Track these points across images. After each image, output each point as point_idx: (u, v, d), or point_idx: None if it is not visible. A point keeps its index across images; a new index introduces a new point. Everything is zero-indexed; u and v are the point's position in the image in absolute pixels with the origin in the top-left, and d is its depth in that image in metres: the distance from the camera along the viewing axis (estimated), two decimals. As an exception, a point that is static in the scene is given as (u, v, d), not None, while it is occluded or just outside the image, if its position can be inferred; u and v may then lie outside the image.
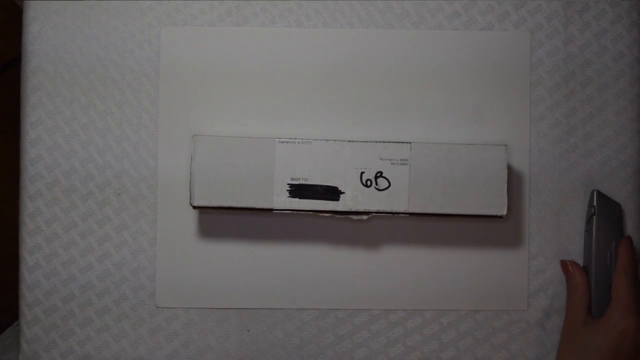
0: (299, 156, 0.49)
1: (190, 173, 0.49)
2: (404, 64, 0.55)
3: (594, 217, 0.53)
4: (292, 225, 0.54)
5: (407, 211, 0.48)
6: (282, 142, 0.49)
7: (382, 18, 0.55)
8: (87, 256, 0.54)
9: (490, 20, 0.55)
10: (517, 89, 0.55)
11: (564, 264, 0.54)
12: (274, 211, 0.49)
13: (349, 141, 0.49)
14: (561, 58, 0.55)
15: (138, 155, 0.55)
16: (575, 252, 0.55)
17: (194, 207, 0.49)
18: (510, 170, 0.51)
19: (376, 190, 0.48)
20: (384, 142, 0.49)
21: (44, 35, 0.54)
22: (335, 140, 0.49)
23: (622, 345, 0.48)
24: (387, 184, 0.48)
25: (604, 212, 0.53)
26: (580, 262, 0.54)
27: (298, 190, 0.48)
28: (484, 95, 0.55)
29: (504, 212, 0.49)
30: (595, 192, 0.54)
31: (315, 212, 0.49)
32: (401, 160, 0.49)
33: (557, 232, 0.55)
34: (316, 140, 0.49)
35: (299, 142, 0.49)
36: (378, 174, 0.48)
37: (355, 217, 0.49)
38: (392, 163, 0.49)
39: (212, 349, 0.55)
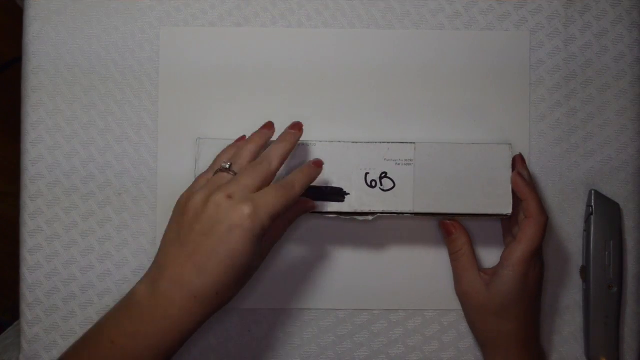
0: (305, 159, 0.49)
1: (195, 176, 0.48)
2: (404, 65, 0.55)
3: (592, 216, 0.53)
4: (294, 225, 0.54)
5: (412, 211, 0.48)
6: None
7: (383, 18, 0.55)
8: (88, 256, 0.54)
9: (491, 20, 0.55)
10: (517, 89, 0.55)
11: (444, 225, 0.52)
12: None
13: (353, 142, 0.49)
14: (562, 58, 0.55)
15: (139, 155, 0.55)
16: (576, 252, 0.55)
17: None
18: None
19: (381, 191, 0.48)
20: (388, 142, 0.49)
21: (45, 35, 0.54)
22: (339, 142, 0.49)
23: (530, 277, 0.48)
24: (392, 185, 0.48)
25: (602, 211, 0.53)
26: (581, 262, 0.55)
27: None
28: (485, 95, 0.55)
29: (509, 211, 0.48)
30: (593, 192, 0.54)
31: (321, 214, 0.49)
32: (405, 160, 0.49)
33: (557, 232, 0.55)
34: (321, 142, 0.49)
35: (304, 145, 0.49)
36: (383, 175, 0.48)
37: (360, 217, 0.49)
38: (396, 163, 0.48)
39: (213, 348, 0.55)
